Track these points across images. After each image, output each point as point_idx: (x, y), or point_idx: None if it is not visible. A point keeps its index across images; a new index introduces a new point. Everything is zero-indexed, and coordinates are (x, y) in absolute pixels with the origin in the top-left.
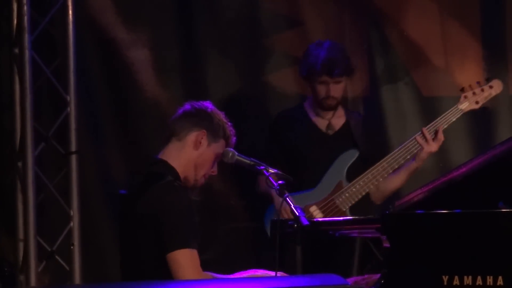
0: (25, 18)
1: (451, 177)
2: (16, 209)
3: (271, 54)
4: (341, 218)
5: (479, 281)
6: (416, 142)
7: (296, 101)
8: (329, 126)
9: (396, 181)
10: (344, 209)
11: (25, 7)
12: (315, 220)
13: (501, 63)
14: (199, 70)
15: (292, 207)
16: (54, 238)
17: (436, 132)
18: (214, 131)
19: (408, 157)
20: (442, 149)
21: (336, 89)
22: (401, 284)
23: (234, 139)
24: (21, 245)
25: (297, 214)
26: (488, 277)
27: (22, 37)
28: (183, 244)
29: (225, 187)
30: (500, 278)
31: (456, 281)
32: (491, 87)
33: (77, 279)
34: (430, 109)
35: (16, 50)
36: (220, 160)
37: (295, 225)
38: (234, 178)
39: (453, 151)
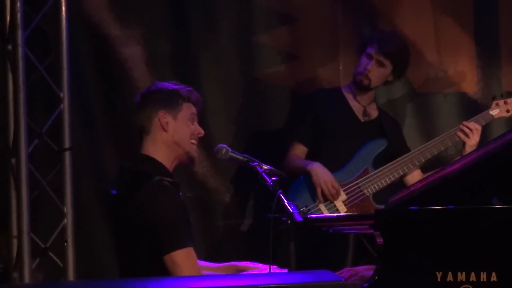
0: (18, 14)
1: (445, 173)
2: (9, 206)
3: (263, 50)
4: (335, 214)
5: (472, 277)
6: (449, 137)
7: (289, 97)
8: (364, 112)
9: None
10: (368, 194)
11: (18, 4)
12: (308, 216)
13: (494, 60)
14: (192, 66)
15: (285, 203)
16: (48, 235)
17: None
18: (170, 104)
19: (443, 148)
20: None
21: (375, 71)
22: (395, 280)
23: (195, 94)
24: (14, 242)
25: (291, 210)
26: (481, 273)
27: (15, 34)
28: (179, 245)
29: (219, 183)
30: (493, 274)
31: (449, 277)
32: None
33: (71, 275)
34: (423, 106)
35: (9, 47)
36: (214, 157)
37: (289, 221)
38: (228, 175)
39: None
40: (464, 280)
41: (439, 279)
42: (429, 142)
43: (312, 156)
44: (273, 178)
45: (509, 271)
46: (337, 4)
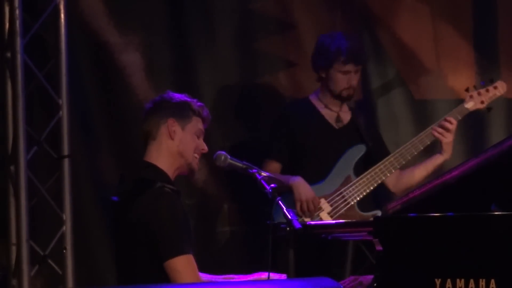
0: (17, 22)
1: (443, 180)
2: (8, 213)
3: (263, 57)
4: (334, 221)
5: (471, 284)
6: (427, 136)
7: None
8: (338, 118)
9: (414, 175)
10: (353, 203)
11: (17, 11)
12: (307, 223)
13: (493, 66)
14: (191, 73)
15: (284, 210)
16: (47, 242)
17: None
18: (181, 114)
19: (421, 148)
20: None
21: (356, 79)
22: (394, 287)
23: (206, 111)
24: (13, 249)
25: (290, 217)
26: (480, 280)
27: (14, 41)
28: (179, 251)
29: (218, 190)
30: (492, 281)
31: (448, 284)
32: (495, 87)
33: (69, 283)
34: (422, 112)
35: (8, 54)
36: (213, 164)
37: (288, 228)
38: (227, 182)
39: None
40: (463, 287)
41: (438, 286)
42: (407, 144)
43: (291, 171)
44: (272, 185)
45: (508, 278)
46: (336, 11)
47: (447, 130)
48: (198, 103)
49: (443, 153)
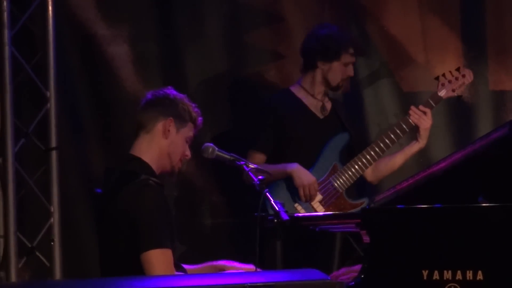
0: (5, 14)
1: (431, 172)
2: None
3: (251, 49)
4: (321, 213)
5: (459, 276)
6: (407, 121)
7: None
8: (323, 107)
9: (394, 162)
10: (341, 191)
11: (5, 3)
12: (295, 215)
13: (481, 59)
14: (179, 65)
15: (272, 202)
16: (35, 234)
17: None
18: (180, 117)
19: (402, 136)
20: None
21: (352, 70)
22: (381, 279)
23: (200, 119)
24: (1, 241)
25: (277, 209)
26: (468, 271)
27: (2, 33)
28: (156, 244)
29: (206, 183)
30: (480, 272)
31: (436, 276)
32: (463, 76)
33: (57, 275)
34: (409, 104)
35: None
36: (200, 156)
37: (275, 220)
38: (215, 174)
39: (433, 146)
40: (450, 278)
41: (425, 278)
42: (387, 131)
43: (276, 161)
44: (260, 177)
45: (495, 269)
46: (324, 3)
47: (423, 114)
48: (196, 109)
49: (419, 140)
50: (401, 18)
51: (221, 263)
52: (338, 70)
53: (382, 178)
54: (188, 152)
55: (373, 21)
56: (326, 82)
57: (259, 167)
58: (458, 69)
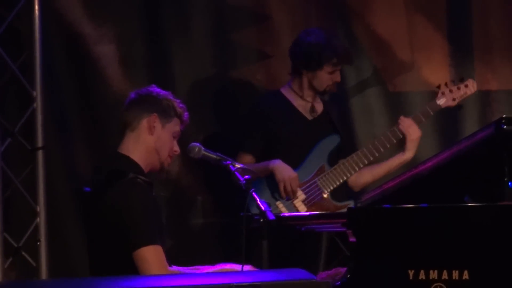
0: None
1: (417, 172)
2: None
3: (238, 48)
4: (307, 213)
5: (444, 275)
6: (395, 132)
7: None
8: (312, 109)
9: (377, 172)
10: (326, 192)
11: None
12: (281, 215)
13: (467, 59)
14: (166, 65)
15: (258, 201)
16: (21, 234)
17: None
18: (164, 112)
19: (388, 146)
20: None
21: (339, 76)
22: (367, 279)
23: (186, 114)
24: None
25: (263, 209)
26: (453, 271)
27: None
28: (148, 241)
29: (192, 182)
30: (465, 272)
31: (422, 275)
32: (466, 86)
33: (43, 274)
34: (396, 105)
35: None
36: (186, 155)
37: (261, 220)
38: (202, 174)
39: (419, 146)
40: (436, 278)
41: (411, 277)
42: (377, 139)
43: None
44: (246, 177)
45: (481, 269)
46: (310, 2)
47: (410, 126)
48: (181, 105)
49: (406, 151)
50: (387, 18)
51: (220, 266)
52: (323, 78)
53: (364, 186)
54: (176, 148)
55: (359, 21)
56: (312, 87)
57: (245, 167)
58: (462, 79)
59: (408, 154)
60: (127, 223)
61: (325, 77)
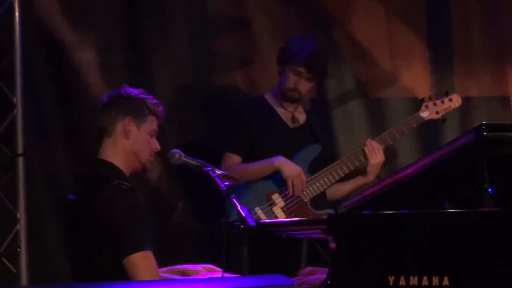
0: None
1: (397, 178)
2: None
3: (218, 55)
4: (288, 219)
5: (425, 282)
6: (359, 155)
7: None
8: (293, 118)
9: (341, 190)
10: (306, 200)
11: None
12: (261, 221)
13: (447, 66)
14: (146, 71)
15: (238, 207)
16: (1, 241)
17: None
18: (138, 113)
19: (351, 169)
20: (389, 150)
21: (306, 86)
22: (347, 285)
23: (161, 109)
24: None
25: (244, 215)
26: (434, 277)
27: None
28: (138, 247)
29: (172, 188)
30: (445, 278)
31: (402, 282)
32: (450, 100)
33: (24, 281)
34: (376, 111)
35: None
36: (167, 162)
37: (242, 226)
38: (181, 180)
39: (400, 152)
40: (416, 284)
41: (391, 284)
42: (345, 158)
43: None
44: (226, 183)
45: (461, 275)
46: (290, 9)
47: (374, 150)
48: (154, 101)
49: (366, 175)
50: (367, 24)
51: (187, 267)
52: (287, 76)
53: (332, 200)
54: (156, 145)
55: (339, 27)
56: (280, 86)
57: (226, 173)
58: (446, 93)
59: (369, 178)
60: (115, 230)
61: (289, 76)
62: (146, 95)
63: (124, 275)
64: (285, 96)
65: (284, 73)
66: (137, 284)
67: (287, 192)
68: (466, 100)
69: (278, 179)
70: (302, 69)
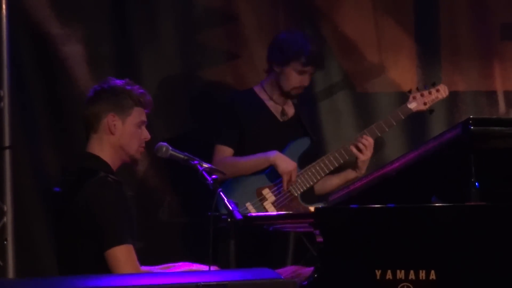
0: None
1: (384, 172)
2: None
3: (205, 49)
4: (275, 213)
5: (411, 275)
6: (346, 151)
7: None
8: (283, 112)
9: (330, 184)
10: (296, 194)
11: None
12: (248, 214)
13: (434, 60)
14: (133, 65)
15: (225, 201)
16: None
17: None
18: (121, 107)
19: (340, 162)
20: (377, 143)
21: (308, 80)
22: (334, 278)
23: (148, 98)
24: None
25: (231, 208)
26: (420, 271)
27: None
28: (120, 241)
29: (159, 182)
30: (432, 272)
31: (389, 275)
32: (437, 90)
33: (10, 274)
34: (364, 105)
35: None
36: (154, 155)
37: (229, 220)
38: (168, 173)
39: (387, 146)
40: (403, 278)
41: (378, 277)
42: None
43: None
44: (213, 176)
45: (448, 269)
46: (278, 4)
47: (365, 147)
48: (140, 90)
49: (356, 170)
50: (355, 19)
51: (182, 265)
52: (290, 76)
53: (321, 194)
54: (146, 135)
55: (327, 22)
56: (279, 87)
57: (213, 167)
58: (433, 84)
59: (359, 172)
60: (98, 223)
61: (292, 76)
62: (131, 86)
63: (107, 267)
64: (291, 94)
65: (284, 73)
66: (120, 277)
67: (277, 187)
68: (453, 95)
69: (268, 174)
70: (307, 68)
